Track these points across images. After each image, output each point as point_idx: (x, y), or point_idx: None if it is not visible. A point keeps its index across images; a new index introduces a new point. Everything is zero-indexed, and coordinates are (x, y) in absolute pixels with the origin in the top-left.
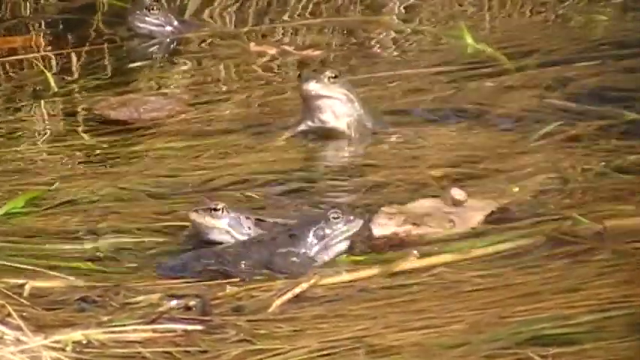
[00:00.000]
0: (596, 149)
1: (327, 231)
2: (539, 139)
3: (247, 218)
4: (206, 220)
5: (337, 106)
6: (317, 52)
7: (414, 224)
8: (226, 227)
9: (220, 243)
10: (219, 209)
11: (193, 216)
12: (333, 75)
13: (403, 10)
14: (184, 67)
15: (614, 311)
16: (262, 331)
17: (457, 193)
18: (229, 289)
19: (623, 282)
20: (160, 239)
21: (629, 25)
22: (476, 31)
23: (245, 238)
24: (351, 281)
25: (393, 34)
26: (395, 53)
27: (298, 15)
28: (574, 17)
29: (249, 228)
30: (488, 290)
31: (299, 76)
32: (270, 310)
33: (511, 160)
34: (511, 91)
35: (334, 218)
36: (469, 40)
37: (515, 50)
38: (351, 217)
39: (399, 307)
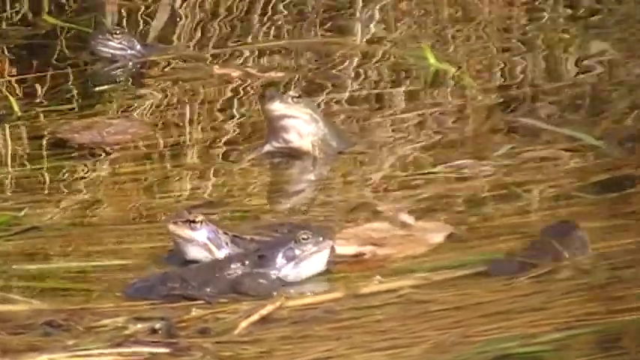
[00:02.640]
0: (556, 170)
1: (297, 252)
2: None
3: (225, 234)
4: (184, 232)
5: (301, 125)
6: (280, 74)
7: (374, 245)
8: (205, 240)
9: (197, 261)
10: (197, 221)
11: (172, 228)
12: (297, 95)
13: (367, 32)
14: (147, 91)
15: (578, 329)
16: (228, 353)
17: (406, 217)
18: (195, 312)
19: (586, 300)
20: (127, 262)
21: (592, 44)
22: (439, 51)
23: (222, 253)
24: (316, 303)
25: (356, 56)
26: (358, 74)
27: (262, 37)
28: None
29: (227, 244)
30: (452, 310)
31: (261, 96)
32: (236, 331)
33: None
34: (475, 109)
35: (304, 239)
36: (432, 60)
37: (480, 70)
38: (320, 238)
39: (365, 327)
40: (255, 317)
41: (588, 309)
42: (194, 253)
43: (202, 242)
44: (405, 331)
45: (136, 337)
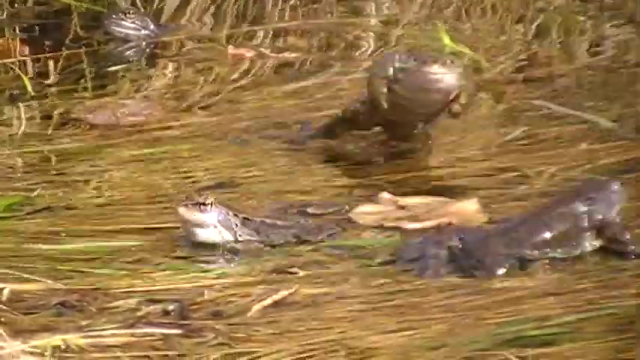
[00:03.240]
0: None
1: None
2: (511, 140)
3: (235, 215)
4: (195, 215)
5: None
6: (294, 55)
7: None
8: (215, 223)
9: (206, 244)
10: (208, 204)
11: (182, 210)
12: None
13: (382, 12)
14: (161, 71)
15: (591, 312)
16: (241, 335)
17: (388, 195)
18: (207, 294)
19: (600, 284)
20: (140, 242)
21: (608, 26)
22: (455, 33)
23: (232, 235)
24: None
25: (371, 37)
26: (373, 54)
27: (276, 18)
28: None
29: (237, 225)
30: (467, 295)
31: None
32: (249, 314)
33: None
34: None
35: None
36: (447, 41)
37: (495, 53)
38: None
39: (378, 310)
40: (268, 301)
41: (602, 293)
42: (204, 235)
43: (213, 225)
44: (419, 313)
45: (148, 319)
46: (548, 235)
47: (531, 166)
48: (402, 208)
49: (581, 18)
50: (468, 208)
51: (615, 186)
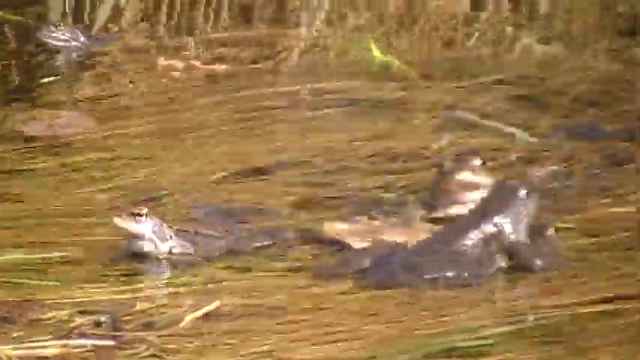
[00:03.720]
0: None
1: None
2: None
3: (169, 227)
4: (130, 225)
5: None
6: (223, 67)
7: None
8: (149, 234)
9: (140, 254)
10: (142, 214)
11: (117, 221)
12: (483, 161)
13: (312, 23)
14: (92, 82)
15: (520, 324)
16: (172, 346)
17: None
18: (139, 306)
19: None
20: (73, 254)
21: (535, 43)
22: (384, 44)
23: (166, 246)
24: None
25: (300, 48)
26: (301, 66)
27: (208, 29)
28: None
29: (171, 237)
30: (397, 305)
31: (440, 165)
32: (180, 325)
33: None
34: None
35: None
36: (376, 53)
37: (423, 63)
38: None
39: (309, 321)
40: (200, 312)
41: (532, 303)
42: (139, 246)
43: (147, 236)
44: (349, 324)
45: (80, 330)
46: (454, 269)
47: None
48: (371, 227)
49: (510, 29)
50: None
51: (523, 194)
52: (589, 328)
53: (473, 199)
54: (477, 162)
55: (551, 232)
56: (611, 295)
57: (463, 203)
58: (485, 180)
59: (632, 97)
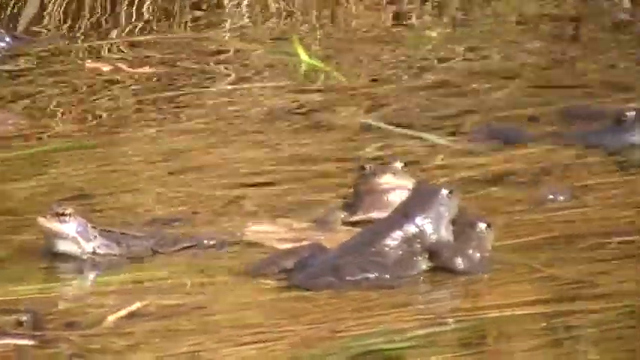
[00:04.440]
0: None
1: None
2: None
3: (93, 227)
4: (54, 225)
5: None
6: (150, 70)
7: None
8: (74, 234)
9: (65, 254)
10: (67, 214)
11: (41, 221)
12: (403, 164)
13: (238, 26)
14: (18, 83)
15: (444, 326)
16: (95, 346)
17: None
18: (62, 305)
19: (452, 296)
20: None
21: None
22: (309, 47)
23: (90, 246)
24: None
25: (227, 51)
26: (227, 69)
27: (134, 31)
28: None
29: (95, 237)
30: (320, 306)
31: (361, 167)
32: (103, 325)
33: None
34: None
35: None
36: (303, 56)
37: (348, 65)
38: None
39: (233, 322)
40: (123, 312)
41: (454, 305)
42: (63, 246)
43: (71, 236)
44: (272, 325)
45: (1, 329)
46: (376, 270)
47: None
48: (294, 230)
49: (433, 34)
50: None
51: (444, 194)
52: (509, 332)
53: (394, 201)
54: (398, 165)
55: (480, 228)
56: (532, 298)
57: (385, 206)
58: (407, 182)
59: (557, 100)
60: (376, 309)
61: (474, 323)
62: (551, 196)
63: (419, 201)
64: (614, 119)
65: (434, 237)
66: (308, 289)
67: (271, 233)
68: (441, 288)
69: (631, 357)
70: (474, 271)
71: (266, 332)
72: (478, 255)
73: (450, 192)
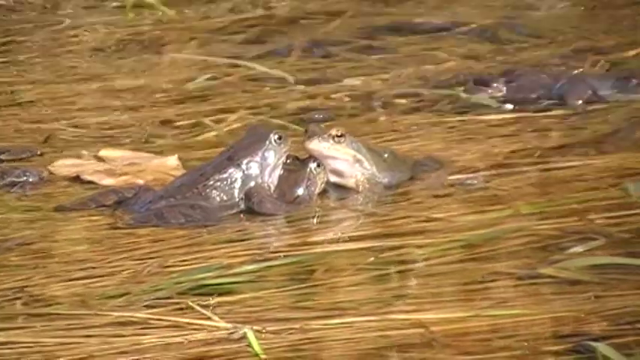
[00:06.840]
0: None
1: None
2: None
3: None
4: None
5: (344, 167)
6: None
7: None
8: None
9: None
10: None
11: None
12: (339, 134)
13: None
14: None
15: (273, 261)
16: None
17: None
18: None
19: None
20: None
21: None
22: None
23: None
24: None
25: None
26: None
27: None
28: None
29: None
30: (150, 242)
31: (305, 131)
32: None
33: None
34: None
35: None
36: None
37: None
38: None
39: (63, 257)
40: None
41: (283, 242)
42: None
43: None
44: (101, 261)
45: None
46: (199, 210)
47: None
48: (102, 161)
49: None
50: (168, 165)
51: (274, 138)
52: (337, 266)
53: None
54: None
55: (311, 168)
56: (358, 234)
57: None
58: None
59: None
60: (205, 245)
61: (303, 258)
62: None
63: (247, 144)
64: None
65: (258, 180)
66: (137, 227)
67: (78, 166)
68: (269, 226)
69: (459, 290)
70: (279, 214)
71: (96, 267)
72: (304, 194)
73: (280, 137)
